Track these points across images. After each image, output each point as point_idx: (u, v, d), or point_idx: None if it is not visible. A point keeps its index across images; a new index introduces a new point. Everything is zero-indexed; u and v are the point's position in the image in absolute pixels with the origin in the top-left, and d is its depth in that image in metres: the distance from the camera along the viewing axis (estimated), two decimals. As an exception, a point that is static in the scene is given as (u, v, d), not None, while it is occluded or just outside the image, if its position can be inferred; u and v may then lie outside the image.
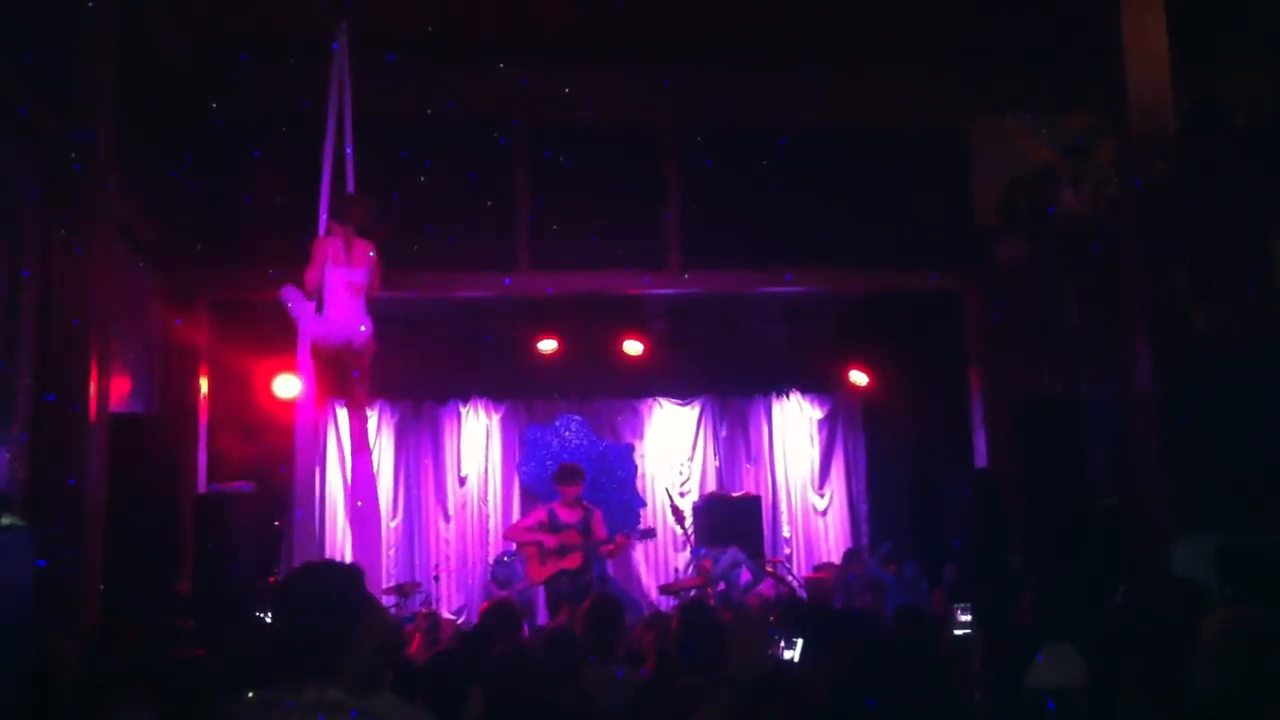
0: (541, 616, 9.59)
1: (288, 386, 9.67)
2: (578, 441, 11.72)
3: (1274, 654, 3.08)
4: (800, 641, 4.38)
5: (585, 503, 9.32)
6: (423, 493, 11.69)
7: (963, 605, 6.53)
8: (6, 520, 3.98)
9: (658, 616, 6.54)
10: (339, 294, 6.92)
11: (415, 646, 6.90)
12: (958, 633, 6.86)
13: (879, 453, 12.10)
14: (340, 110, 7.18)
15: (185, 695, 3.79)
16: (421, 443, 11.78)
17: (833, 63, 9.38)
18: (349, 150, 7.29)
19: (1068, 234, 9.04)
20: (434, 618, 8.40)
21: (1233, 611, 4.72)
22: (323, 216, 6.98)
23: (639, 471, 11.92)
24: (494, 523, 11.64)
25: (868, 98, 9.74)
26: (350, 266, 6.94)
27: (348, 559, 11.23)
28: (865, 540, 11.73)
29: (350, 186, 7.30)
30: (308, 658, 2.45)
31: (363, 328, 7.00)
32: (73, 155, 6.76)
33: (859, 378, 11.54)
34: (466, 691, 4.01)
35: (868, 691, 3.55)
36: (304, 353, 6.85)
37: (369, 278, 6.94)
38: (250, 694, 2.64)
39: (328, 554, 11.25)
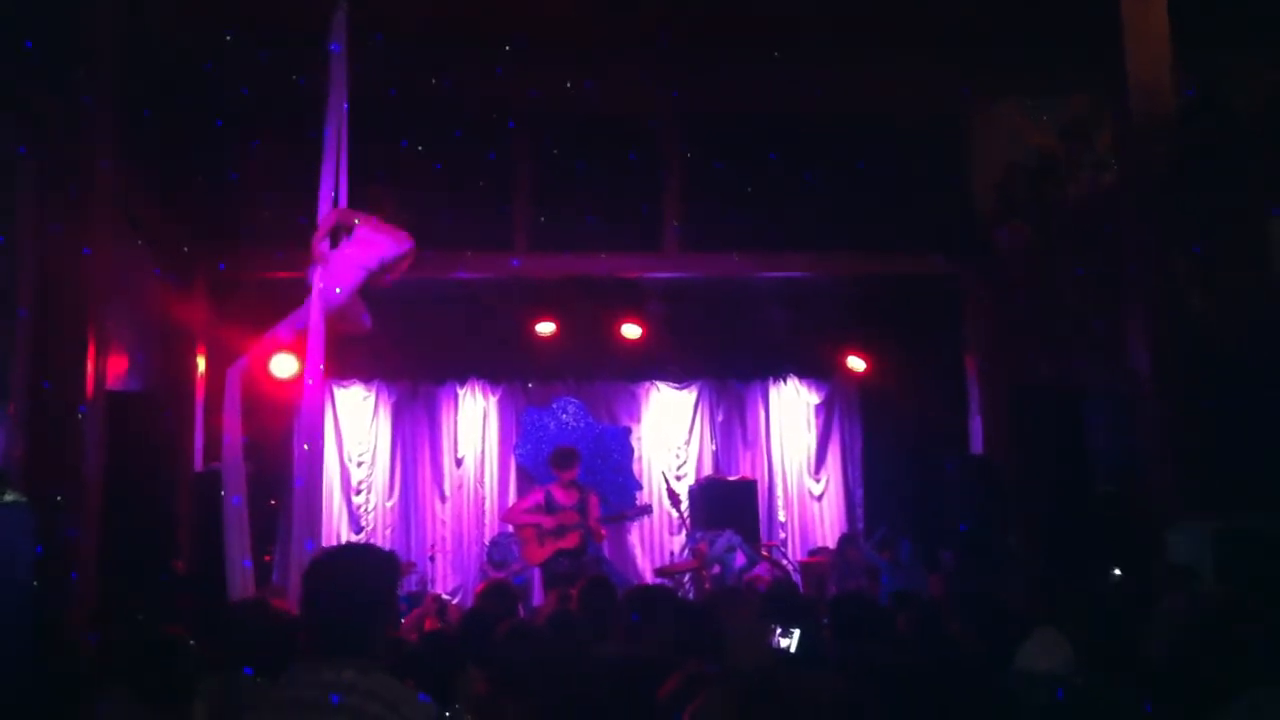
0: (537, 598, 9.62)
1: (285, 365, 9.65)
2: (575, 424, 11.72)
3: (1249, 624, 3.07)
4: (797, 632, 4.37)
5: (581, 484, 9.35)
6: (419, 473, 11.71)
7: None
8: (9, 497, 3.98)
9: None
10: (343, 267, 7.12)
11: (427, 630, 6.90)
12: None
13: (876, 438, 12.12)
14: (337, 91, 7.15)
15: (167, 674, 3.80)
16: (418, 424, 11.80)
17: (830, 48, 9.32)
18: (343, 134, 7.25)
19: (1067, 219, 9.02)
20: (441, 601, 8.42)
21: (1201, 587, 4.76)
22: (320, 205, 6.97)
23: (636, 455, 11.93)
24: (490, 504, 11.66)
25: (865, 83, 9.68)
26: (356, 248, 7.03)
27: (343, 536, 11.25)
28: (861, 525, 11.76)
29: (344, 171, 7.30)
30: (338, 638, 2.48)
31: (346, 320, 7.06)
32: (70, 132, 6.73)
33: (856, 363, 11.54)
34: (459, 671, 4.02)
35: (881, 686, 3.53)
36: (316, 317, 6.82)
37: (379, 263, 7.05)
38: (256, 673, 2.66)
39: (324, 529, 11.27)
